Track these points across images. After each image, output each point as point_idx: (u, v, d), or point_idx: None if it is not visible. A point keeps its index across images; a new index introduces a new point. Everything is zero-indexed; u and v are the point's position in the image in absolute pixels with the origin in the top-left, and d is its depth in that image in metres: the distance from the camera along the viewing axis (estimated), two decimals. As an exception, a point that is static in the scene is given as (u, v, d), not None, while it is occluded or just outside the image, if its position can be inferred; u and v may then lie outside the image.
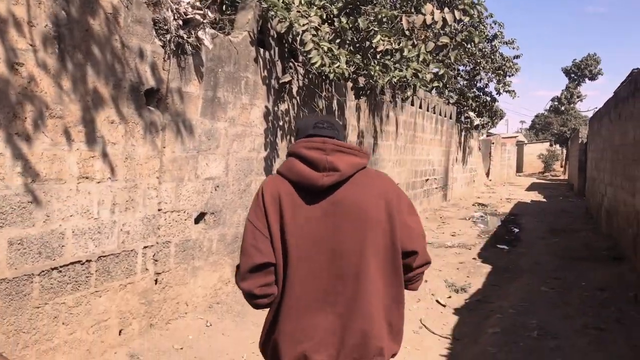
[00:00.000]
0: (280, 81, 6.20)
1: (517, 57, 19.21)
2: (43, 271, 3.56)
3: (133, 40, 4.15)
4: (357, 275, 1.83)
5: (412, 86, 7.28)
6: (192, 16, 4.69)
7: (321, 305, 1.83)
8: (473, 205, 17.02)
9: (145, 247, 4.46)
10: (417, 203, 12.88)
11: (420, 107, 12.95)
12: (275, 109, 6.22)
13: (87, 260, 3.89)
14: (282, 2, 5.56)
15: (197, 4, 4.81)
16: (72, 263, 3.77)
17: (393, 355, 1.92)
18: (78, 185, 3.76)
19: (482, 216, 14.37)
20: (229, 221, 5.56)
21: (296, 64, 6.60)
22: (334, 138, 1.95)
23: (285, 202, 1.86)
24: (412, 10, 7.88)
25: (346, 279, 1.83)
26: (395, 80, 7.00)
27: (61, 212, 3.64)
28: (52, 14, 3.46)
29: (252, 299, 1.86)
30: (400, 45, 6.31)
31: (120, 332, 4.26)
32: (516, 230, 12.25)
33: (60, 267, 3.68)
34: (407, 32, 6.57)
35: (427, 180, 13.92)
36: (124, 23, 4.05)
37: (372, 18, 6.42)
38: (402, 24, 6.27)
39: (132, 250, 4.31)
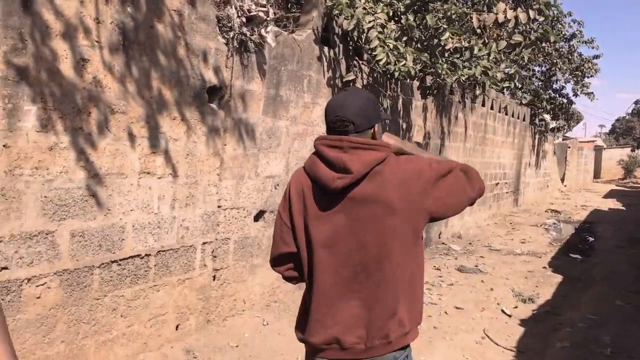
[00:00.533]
0: (344, 79, 6.12)
1: (596, 57, 18.18)
2: (103, 264, 3.63)
3: (196, 38, 4.18)
4: (378, 263, 1.89)
5: (481, 85, 7.02)
6: (255, 13, 4.68)
7: (346, 293, 1.91)
8: (546, 211, 16.31)
9: (204, 243, 4.49)
10: (485, 207, 12.48)
11: (492, 108, 12.53)
12: (339, 108, 6.14)
13: (146, 255, 3.95)
14: (347, 0, 5.47)
15: (261, 1, 4.80)
16: (131, 257, 3.83)
17: (414, 337, 1.99)
18: (139, 180, 3.82)
19: (554, 223, 13.73)
20: (288, 220, 5.52)
21: (361, 62, 6.49)
22: (349, 133, 1.93)
23: (307, 195, 1.96)
24: (484, 8, 7.61)
25: (368, 268, 1.89)
26: (463, 78, 6.76)
27: (122, 206, 3.71)
28: (118, 11, 3.52)
29: (286, 279, 2.13)
30: (471, 43, 6.09)
31: (177, 327, 4.31)
32: (591, 239, 11.61)
33: (120, 260, 3.75)
34: (477, 30, 6.34)
35: (497, 184, 13.47)
36: (187, 20, 4.08)
37: (440, 15, 6.23)
38: (472, 22, 6.05)
39: (191, 246, 4.35)
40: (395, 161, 1.93)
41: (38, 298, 3.26)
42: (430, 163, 1.94)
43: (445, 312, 5.81)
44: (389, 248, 1.88)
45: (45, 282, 3.29)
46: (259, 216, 5.13)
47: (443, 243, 9.57)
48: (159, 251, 4.06)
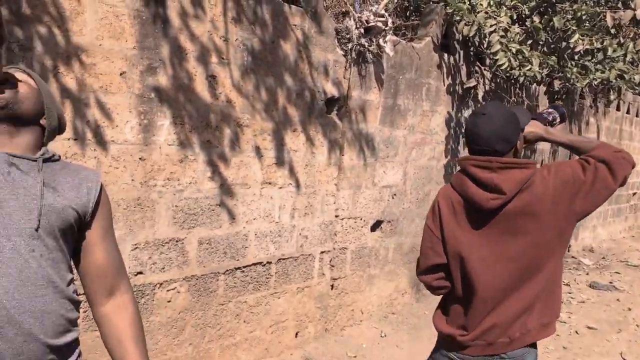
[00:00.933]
0: (465, 86, 5.94)
1: None
2: (228, 270, 3.79)
3: (316, 51, 4.25)
4: (530, 273, 1.98)
5: (616, 89, 6.50)
6: (374, 24, 4.68)
7: (500, 300, 2.00)
8: (692, 223, 14.76)
9: (322, 252, 4.54)
10: (621, 219, 11.54)
11: (628, 112, 11.57)
12: (458, 115, 5.98)
13: (267, 262, 4.07)
14: (469, 5, 5.31)
15: (381, 11, 4.79)
16: (254, 264, 3.96)
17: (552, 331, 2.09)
18: (261, 191, 3.95)
19: (703, 237, 12.37)
20: (405, 230, 5.45)
21: (482, 67, 6.27)
22: (495, 153, 2.01)
23: (458, 210, 2.07)
24: (619, 5, 7.06)
25: (521, 277, 1.98)
26: (596, 82, 6.30)
27: (245, 215, 3.85)
28: (244, 30, 3.67)
29: (431, 289, 2.19)
30: (604, 44, 5.67)
31: (296, 334, 4.39)
32: None
33: (243, 267, 3.89)
34: (611, 30, 5.89)
35: (634, 193, 12.40)
36: (308, 35, 4.17)
37: (569, 16, 5.86)
38: (605, 20, 5.62)
39: (309, 255, 4.42)
40: (543, 173, 2.00)
41: (169, 302, 3.46)
42: (576, 171, 1.97)
43: (576, 332, 5.43)
44: (541, 258, 1.97)
45: (175, 287, 3.49)
46: (376, 226, 5.11)
47: (573, 257, 8.96)
48: (279, 259, 4.16)
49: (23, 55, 2.69)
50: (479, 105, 6.29)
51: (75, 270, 1.51)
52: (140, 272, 3.28)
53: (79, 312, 1.45)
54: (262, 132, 3.88)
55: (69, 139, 2.88)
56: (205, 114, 3.51)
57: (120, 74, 3.08)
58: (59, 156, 1.50)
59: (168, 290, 3.45)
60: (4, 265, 1.24)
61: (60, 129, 1.55)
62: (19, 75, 1.43)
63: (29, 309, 1.27)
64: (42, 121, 1.45)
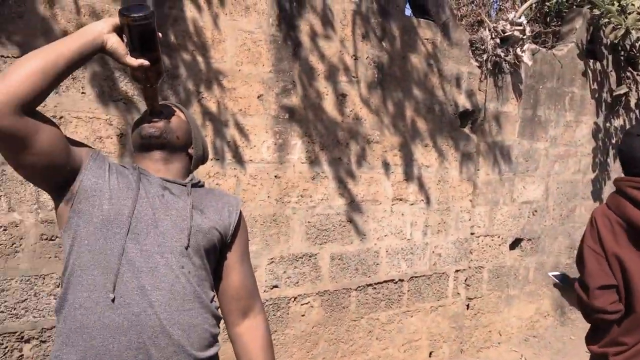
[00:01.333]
0: (615, 94, 5.48)
1: None
2: (359, 286, 3.80)
3: (449, 64, 4.17)
4: None
5: None
6: (510, 33, 4.49)
7: None
8: None
9: (456, 271, 4.41)
10: None
11: None
12: (607, 125, 5.53)
13: (399, 280, 4.03)
14: (618, 6, 4.92)
15: (518, 19, 4.59)
16: (385, 281, 3.94)
17: None
18: (392, 207, 3.93)
19: None
20: (548, 249, 5.12)
21: (635, 73, 5.75)
22: None
23: (618, 232, 1.99)
24: None
25: None
26: None
27: (376, 232, 3.85)
28: (373, 47, 3.70)
29: (604, 314, 2.02)
30: None
31: (430, 354, 4.29)
32: None
33: (375, 284, 3.89)
34: None
35: None
36: (440, 48, 4.10)
37: None
38: None
39: (443, 273, 4.31)
40: None
41: (303, 316, 3.55)
42: None
43: None
44: None
45: (309, 302, 3.57)
46: (515, 244, 4.86)
47: None
48: (411, 277, 4.10)
49: (171, 83, 2.93)
50: (632, 114, 5.77)
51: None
52: (276, 286, 3.40)
53: (219, 327, 1.53)
54: (392, 148, 3.87)
55: (211, 159, 3.08)
56: (335, 132, 3.58)
57: (258, 97, 3.24)
58: (204, 182, 1.62)
59: (302, 304, 3.54)
60: (157, 279, 1.35)
61: (204, 158, 1.69)
62: (175, 110, 1.58)
63: (178, 321, 1.36)
64: (190, 150, 1.59)
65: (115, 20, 1.31)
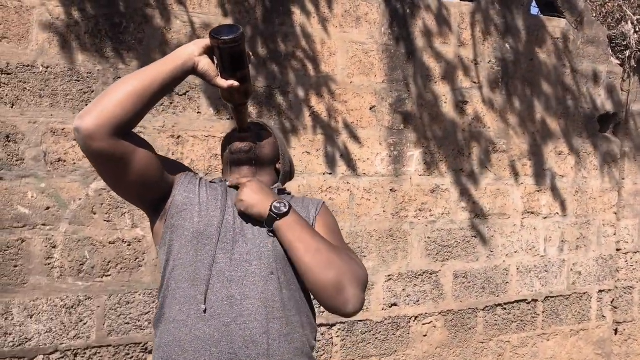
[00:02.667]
0: None
1: None
2: (487, 307, 3.54)
3: (584, 64, 3.79)
4: None
5: None
6: (658, 24, 4.00)
7: None
8: None
9: (600, 291, 3.96)
10: None
11: None
12: None
13: (532, 300, 3.70)
14: None
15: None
16: (516, 301, 3.64)
17: None
18: (522, 221, 3.62)
19: None
20: None
21: None
22: None
23: None
24: None
25: None
26: None
27: (505, 248, 3.57)
28: (496, 50, 3.47)
29: None
30: None
31: (571, 382, 3.88)
32: None
33: (505, 304, 3.60)
34: None
35: None
36: (572, 47, 3.75)
37: None
38: None
39: (584, 294, 3.89)
40: None
41: (424, 336, 3.37)
42: None
43: None
44: None
45: (431, 321, 3.38)
46: (672, 262, 4.27)
47: None
48: (547, 297, 3.75)
49: (282, 98, 2.94)
50: None
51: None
52: (395, 304, 3.26)
53: (316, 340, 1.46)
54: (520, 157, 3.58)
55: (324, 174, 3.04)
56: (456, 141, 3.38)
57: (370, 108, 3.15)
58: (290, 192, 1.59)
59: (424, 324, 3.36)
60: (247, 288, 1.33)
61: (291, 174, 1.68)
62: (262, 127, 1.59)
63: (269, 330, 1.32)
64: (278, 165, 1.59)
65: (206, 41, 1.32)
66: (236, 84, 1.33)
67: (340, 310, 1.33)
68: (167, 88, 1.34)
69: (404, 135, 3.24)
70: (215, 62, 1.33)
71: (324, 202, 1.55)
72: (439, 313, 3.40)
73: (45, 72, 2.42)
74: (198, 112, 2.74)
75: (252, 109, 2.82)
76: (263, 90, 2.88)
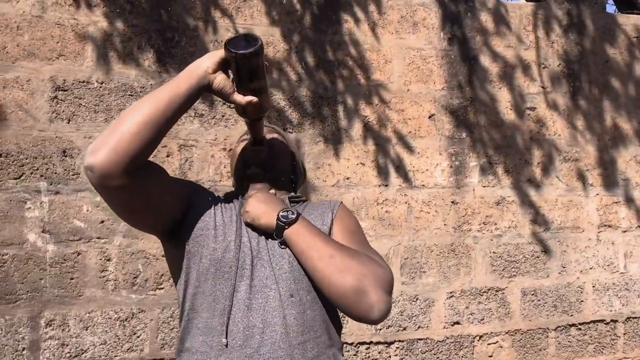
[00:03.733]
0: None
1: None
2: (559, 327, 3.30)
3: (666, 63, 3.50)
4: None
5: None
6: None
7: None
8: None
9: (690, 312, 3.61)
10: None
11: None
12: None
13: (611, 320, 3.41)
14: None
15: None
16: (593, 321, 3.37)
17: None
18: (598, 235, 3.36)
19: None
20: None
21: None
22: None
23: None
24: None
25: None
26: None
27: (579, 264, 3.32)
28: (563, 52, 3.26)
29: None
30: None
31: (657, 412, 3.55)
32: None
33: (579, 324, 3.34)
34: None
35: None
36: (653, 45, 3.47)
37: None
38: None
39: (671, 315, 3.56)
40: None
41: (490, 357, 3.17)
42: None
43: None
44: None
45: (497, 341, 3.19)
46: None
47: None
48: (628, 317, 3.45)
49: (334, 108, 2.86)
50: None
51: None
52: (457, 322, 3.10)
53: (343, 355, 1.38)
54: (595, 167, 3.33)
55: (379, 186, 2.94)
56: (523, 151, 3.19)
57: (429, 117, 3.03)
58: (305, 198, 1.53)
59: (489, 344, 3.17)
60: (268, 315, 1.26)
61: (304, 180, 1.65)
62: (274, 134, 1.52)
63: (293, 357, 1.25)
64: (291, 175, 1.55)
65: (220, 54, 1.21)
66: (255, 99, 1.21)
67: (366, 317, 1.21)
68: (182, 111, 1.23)
69: (465, 144, 3.09)
70: (231, 75, 1.21)
71: (341, 203, 1.46)
72: (506, 332, 3.20)
73: (100, 87, 2.47)
74: (249, 124, 2.72)
75: (302, 119, 2.77)
76: (315, 100, 2.82)
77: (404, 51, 2.97)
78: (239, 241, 1.31)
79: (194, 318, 1.31)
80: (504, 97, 3.15)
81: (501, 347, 3.19)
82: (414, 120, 3.00)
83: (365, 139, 2.91)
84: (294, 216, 1.28)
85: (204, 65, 1.22)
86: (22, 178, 2.36)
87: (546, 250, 3.26)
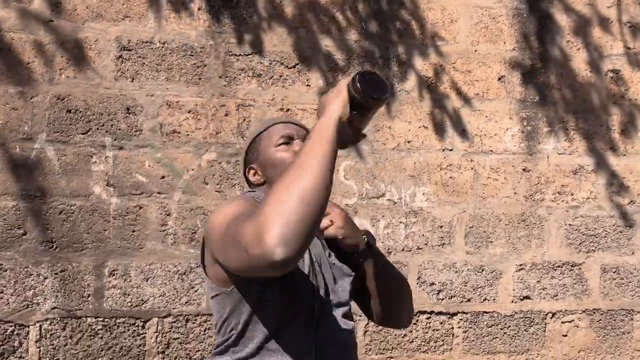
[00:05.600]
0: None
1: None
2: (646, 309, 3.03)
3: None
4: None
5: None
6: None
7: None
8: None
9: None
10: None
11: None
12: None
13: None
14: None
15: None
16: (685, 305, 3.07)
17: None
18: (694, 210, 3.05)
19: None
20: None
21: None
22: None
23: None
24: None
25: None
26: None
27: (669, 241, 3.03)
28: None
29: None
30: None
31: None
32: None
33: (669, 307, 3.05)
34: None
35: None
36: None
37: None
38: None
39: None
40: None
41: (564, 336, 2.97)
42: None
43: None
44: None
45: (573, 320, 2.97)
46: None
47: None
48: None
49: (401, 71, 2.79)
50: None
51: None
52: (527, 297, 2.92)
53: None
54: (690, 134, 3.03)
55: (443, 150, 2.83)
56: (605, 116, 2.96)
57: (498, 79, 2.88)
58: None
59: (563, 323, 2.96)
60: (332, 338, 1.27)
61: None
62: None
63: None
64: None
65: (344, 96, 1.10)
66: (365, 136, 1.21)
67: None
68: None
69: (539, 108, 2.91)
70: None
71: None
72: (583, 311, 2.98)
73: (162, 47, 2.55)
74: (307, 85, 2.70)
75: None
76: (377, 60, 2.76)
77: (471, 10, 2.84)
78: (310, 262, 1.29)
79: (267, 341, 1.27)
80: (582, 58, 2.94)
81: (577, 326, 2.98)
82: (481, 82, 2.86)
83: (427, 100, 2.81)
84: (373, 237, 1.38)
85: (334, 114, 1.09)
86: (89, 133, 2.48)
87: (631, 225, 3.00)
